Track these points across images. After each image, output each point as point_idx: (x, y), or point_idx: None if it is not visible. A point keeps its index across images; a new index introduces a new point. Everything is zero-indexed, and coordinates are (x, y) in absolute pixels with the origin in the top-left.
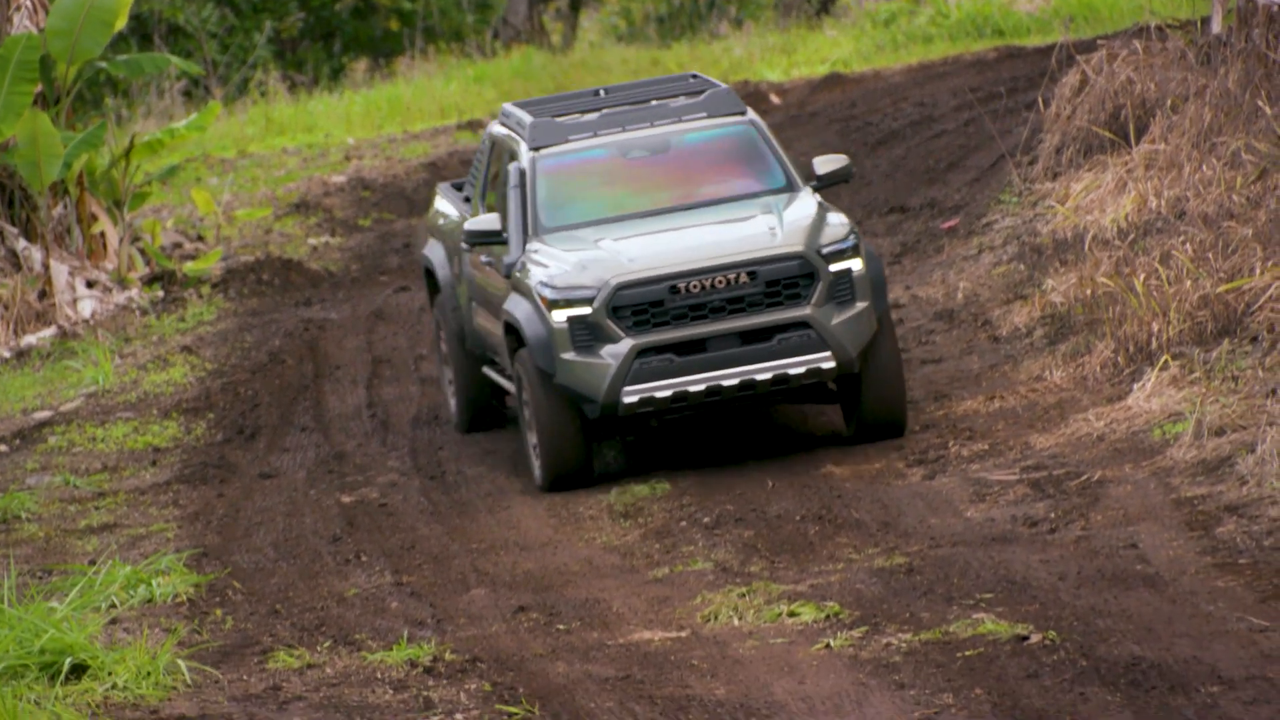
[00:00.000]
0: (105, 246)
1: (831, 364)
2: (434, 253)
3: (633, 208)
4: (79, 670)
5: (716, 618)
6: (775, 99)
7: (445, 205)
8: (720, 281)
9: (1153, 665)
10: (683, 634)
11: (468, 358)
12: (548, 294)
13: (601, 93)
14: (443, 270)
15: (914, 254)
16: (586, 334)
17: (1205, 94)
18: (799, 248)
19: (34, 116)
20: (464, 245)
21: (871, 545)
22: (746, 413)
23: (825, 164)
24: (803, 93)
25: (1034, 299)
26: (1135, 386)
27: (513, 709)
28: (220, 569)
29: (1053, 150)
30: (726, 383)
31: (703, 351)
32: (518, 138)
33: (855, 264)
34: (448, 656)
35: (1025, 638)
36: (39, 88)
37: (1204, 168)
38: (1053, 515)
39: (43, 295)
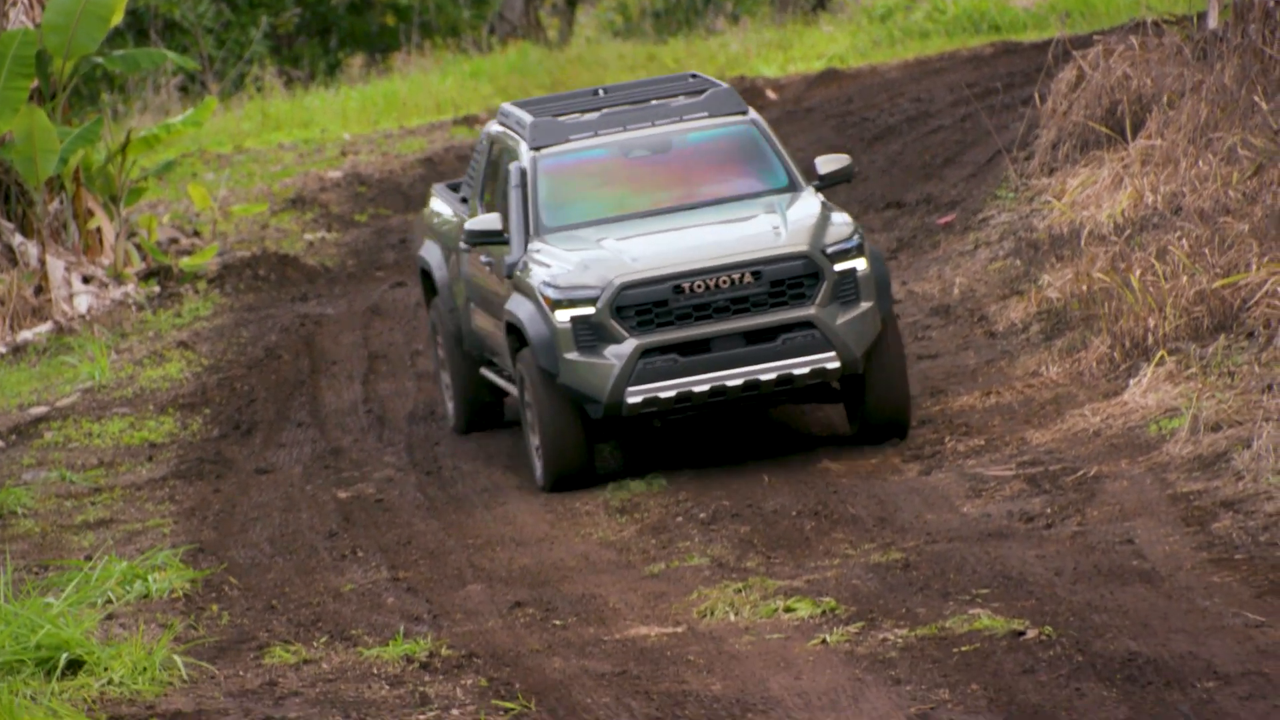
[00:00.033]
0: (101, 242)
1: (836, 364)
2: (430, 254)
3: (634, 207)
4: (75, 666)
5: (713, 613)
6: (771, 95)
7: (441, 206)
8: (724, 281)
9: (1149, 661)
10: (679, 629)
11: (465, 359)
12: (551, 294)
13: (600, 92)
14: (440, 271)
15: (910, 249)
16: (590, 334)
17: (1201, 89)
18: (803, 247)
19: (30, 112)
20: (463, 245)
21: (868, 541)
22: (746, 411)
23: (827, 163)
24: (799, 88)
25: (1030, 294)
26: (1131, 382)
27: (509, 704)
28: (216, 564)
29: (1049, 146)
30: (731, 383)
31: (707, 352)
32: (518, 137)
33: (860, 263)
34: (444, 652)
35: (1021, 633)
36: (35, 83)
37: (1200, 163)
38: (1049, 511)
39: (39, 291)
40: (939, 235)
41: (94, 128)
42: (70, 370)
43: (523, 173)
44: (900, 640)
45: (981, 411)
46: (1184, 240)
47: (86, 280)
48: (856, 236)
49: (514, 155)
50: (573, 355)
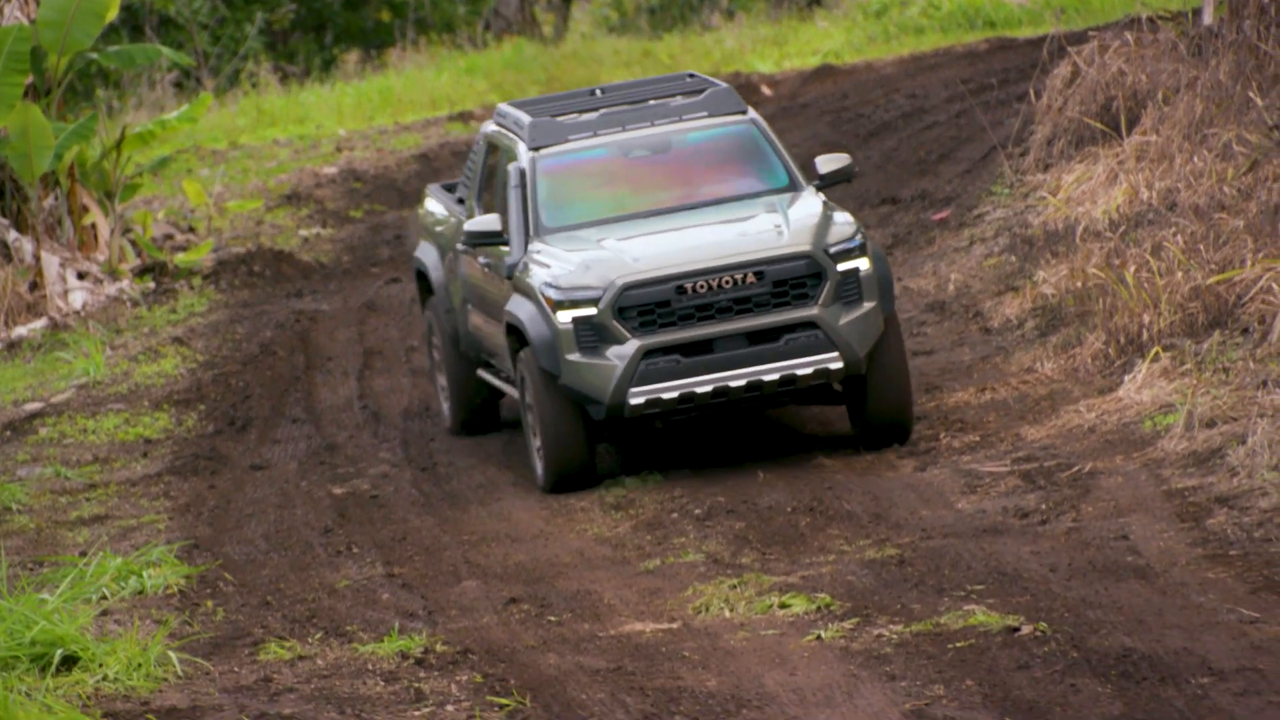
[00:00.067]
0: (96, 238)
1: (839, 364)
2: (426, 254)
3: (634, 208)
4: (70, 662)
5: (708, 609)
6: (767, 90)
7: (437, 207)
8: (727, 281)
9: (1143, 657)
10: (674, 625)
11: (461, 360)
12: (552, 294)
13: (598, 92)
14: (436, 272)
15: (905, 245)
16: (592, 335)
17: (1196, 85)
18: (806, 247)
19: (25, 108)
20: (460, 246)
21: (863, 537)
22: (746, 411)
23: (828, 163)
24: (794, 84)
25: (1025, 290)
26: (1126, 378)
27: (504, 700)
28: (211, 560)
29: (1044, 142)
30: (734, 384)
31: (709, 352)
32: (516, 138)
33: (862, 263)
34: (439, 648)
35: (1016, 629)
36: (30, 79)
37: (1195, 159)
38: (1044, 507)
39: (34, 287)
40: (934, 231)
41: (89, 124)
42: (65, 366)
43: (522, 173)
44: (895, 636)
45: (976, 407)
46: (1179, 236)
47: (81, 276)
48: (859, 236)
49: (512, 156)
50: (574, 356)
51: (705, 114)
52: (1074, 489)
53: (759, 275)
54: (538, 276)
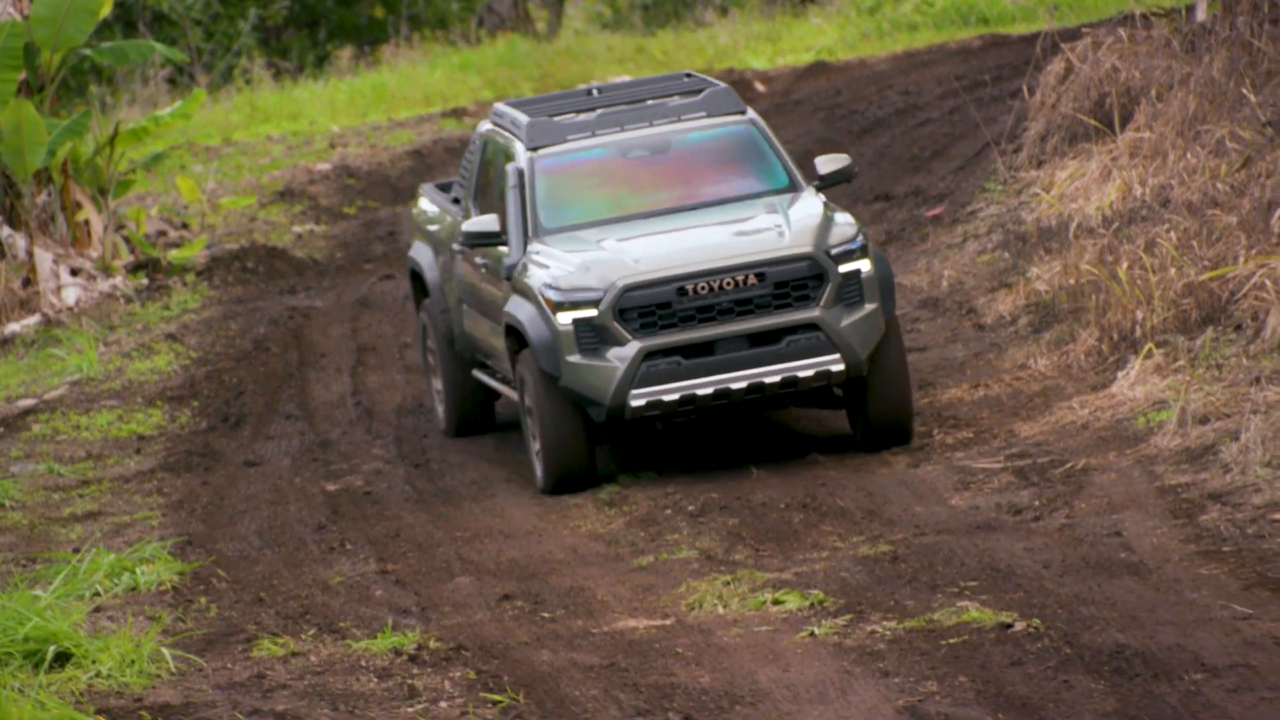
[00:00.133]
0: (90, 234)
1: (841, 367)
2: (421, 254)
3: (634, 208)
4: (63, 658)
5: (701, 606)
6: (760, 87)
7: (432, 206)
8: (728, 283)
9: (1136, 653)
10: (667, 622)
11: (456, 361)
12: (552, 296)
13: (595, 92)
14: (431, 272)
15: (899, 242)
16: (592, 336)
17: (1190, 82)
18: (808, 249)
19: (18, 104)
20: (456, 246)
21: (856, 533)
22: (747, 413)
23: (827, 163)
24: (788, 81)
25: (1018, 287)
26: (1119, 374)
27: (497, 697)
28: (205, 557)
29: (1037, 138)
30: (735, 386)
31: (710, 354)
32: (513, 138)
33: (864, 265)
34: (432, 644)
35: (1009, 625)
36: (23, 75)
37: (1188, 155)
38: (1037, 503)
39: (27, 283)
40: (927, 228)
41: (82, 120)
42: (58, 363)
43: (520, 173)
44: (888, 632)
45: (970, 404)
46: (1172, 233)
47: (74, 273)
48: (860, 237)
49: (510, 156)
50: (575, 358)
51: (704, 114)
52: (1067, 485)
53: (760, 277)
54: (537, 278)
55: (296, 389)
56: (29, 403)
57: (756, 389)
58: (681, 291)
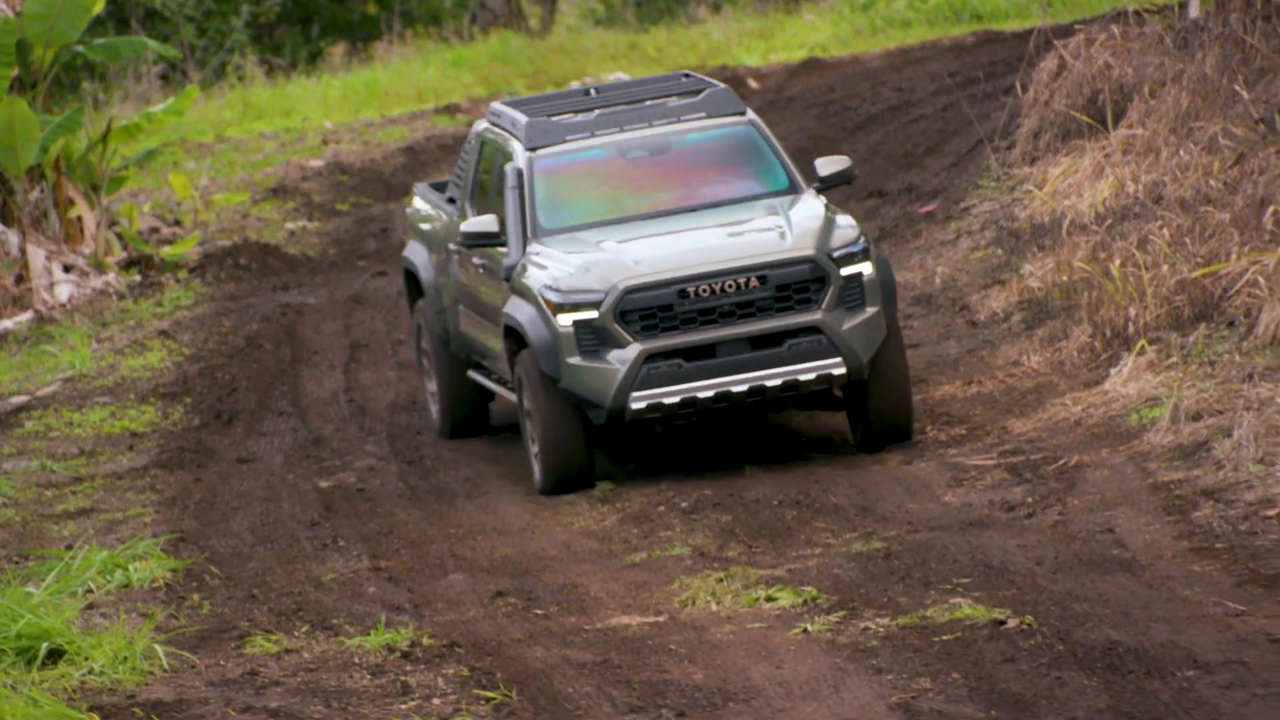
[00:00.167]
0: (82, 231)
1: (842, 370)
2: (416, 254)
3: (633, 209)
4: (55, 655)
5: (694, 602)
6: (753, 84)
7: (427, 206)
8: (730, 285)
9: (1129, 650)
10: (660, 619)
11: (451, 361)
12: (552, 297)
13: (592, 92)
14: (426, 272)
15: (892, 239)
16: (593, 338)
17: (1183, 79)
18: (810, 251)
19: (11, 101)
20: (453, 247)
21: (849, 530)
22: (747, 416)
23: (828, 165)
24: (781, 77)
25: (1011, 284)
26: (1112, 371)
27: (490, 694)
28: (197, 554)
29: (1030, 135)
30: (736, 389)
31: (711, 357)
32: (511, 137)
33: (866, 268)
34: (425, 641)
35: (1002, 622)
36: (16, 72)
37: (1181, 152)
38: (1030, 500)
39: (19, 280)
40: (921, 224)
41: (75, 116)
42: (51, 359)
43: (519, 173)
44: (881, 629)
45: (963, 401)
46: (1165, 229)
47: (67, 269)
48: (862, 240)
49: (508, 156)
50: (575, 360)
51: (704, 115)
52: (1060, 482)
53: (762, 279)
54: (537, 279)
55: (289, 386)
56: (21, 399)
57: (758, 392)
58: (683, 294)
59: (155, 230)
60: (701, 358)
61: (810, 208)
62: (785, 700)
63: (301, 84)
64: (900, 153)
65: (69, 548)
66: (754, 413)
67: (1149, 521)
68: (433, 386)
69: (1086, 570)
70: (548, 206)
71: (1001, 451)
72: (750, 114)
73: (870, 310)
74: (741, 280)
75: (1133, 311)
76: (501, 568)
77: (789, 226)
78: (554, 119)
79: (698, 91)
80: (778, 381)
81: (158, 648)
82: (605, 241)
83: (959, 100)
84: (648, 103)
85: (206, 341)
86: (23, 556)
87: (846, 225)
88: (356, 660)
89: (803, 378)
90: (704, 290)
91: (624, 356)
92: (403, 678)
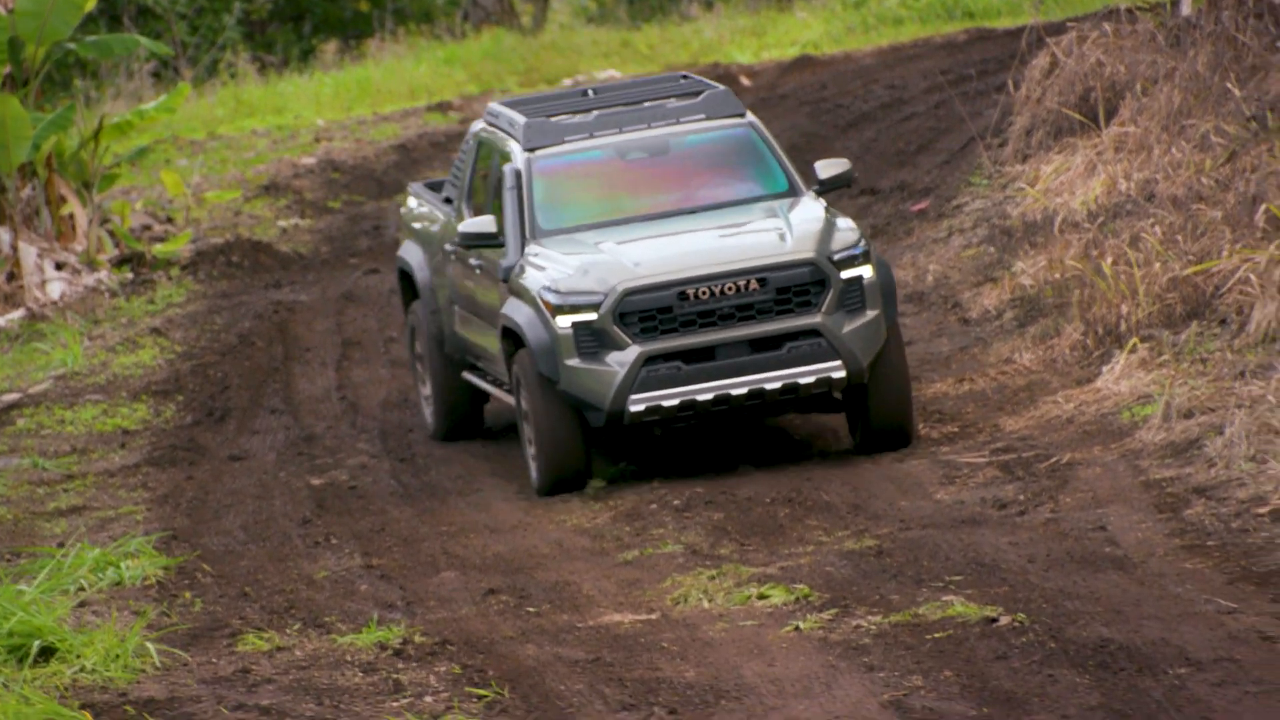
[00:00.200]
0: (74, 228)
1: (842, 373)
2: (411, 254)
3: (632, 211)
4: (47, 653)
5: (686, 600)
6: (745, 81)
7: (421, 206)
8: (730, 288)
9: (1121, 647)
10: (652, 616)
11: (446, 363)
12: (551, 299)
13: (590, 93)
14: (421, 272)
15: (884, 236)
16: (592, 340)
17: (1175, 76)
18: (810, 254)
19: (3, 99)
20: (449, 247)
21: (841, 528)
22: (745, 418)
23: (827, 168)
24: (773, 75)
25: (1003, 281)
26: (1104, 369)
27: (482, 691)
28: (189, 551)
29: (1022, 133)
30: (735, 391)
31: (711, 359)
32: (509, 138)
33: (866, 271)
34: (417, 639)
35: (994, 620)
36: (8, 69)
37: (1173, 150)
38: (1022, 498)
39: (11, 277)
40: (913, 222)
41: (67, 114)
42: (43, 357)
43: (517, 174)
44: (874, 627)
45: (955, 398)
46: (1157, 227)
47: (59, 267)
48: (863, 243)
49: (506, 156)
50: (574, 361)
51: (703, 116)
52: (1052, 480)
53: (762, 282)
54: (535, 280)
55: (281, 383)
56: (13, 397)
57: (757, 395)
58: (683, 296)
59: (147, 228)
60: (701, 360)
61: (810, 210)
62: (777, 698)
63: (294, 81)
64: (892, 150)
65: (61, 545)
66: (753, 416)
67: (1141, 519)
68: (427, 390)
69: (1078, 568)
70: (546, 207)
71: (993, 449)
72: (750, 116)
73: (870, 313)
74: (741, 283)
75: (1125, 309)
76: (494, 565)
77: (789, 229)
78: (552, 120)
79: (697, 93)
80: (777, 384)
81: (149, 645)
82: (604, 243)
83: (951, 98)
84: (646, 104)
85: (199, 339)
86: (14, 554)
87: (847, 228)
88: (348, 658)
89: (802, 381)
90: (704, 292)
91: (623, 359)
92: (395, 675)
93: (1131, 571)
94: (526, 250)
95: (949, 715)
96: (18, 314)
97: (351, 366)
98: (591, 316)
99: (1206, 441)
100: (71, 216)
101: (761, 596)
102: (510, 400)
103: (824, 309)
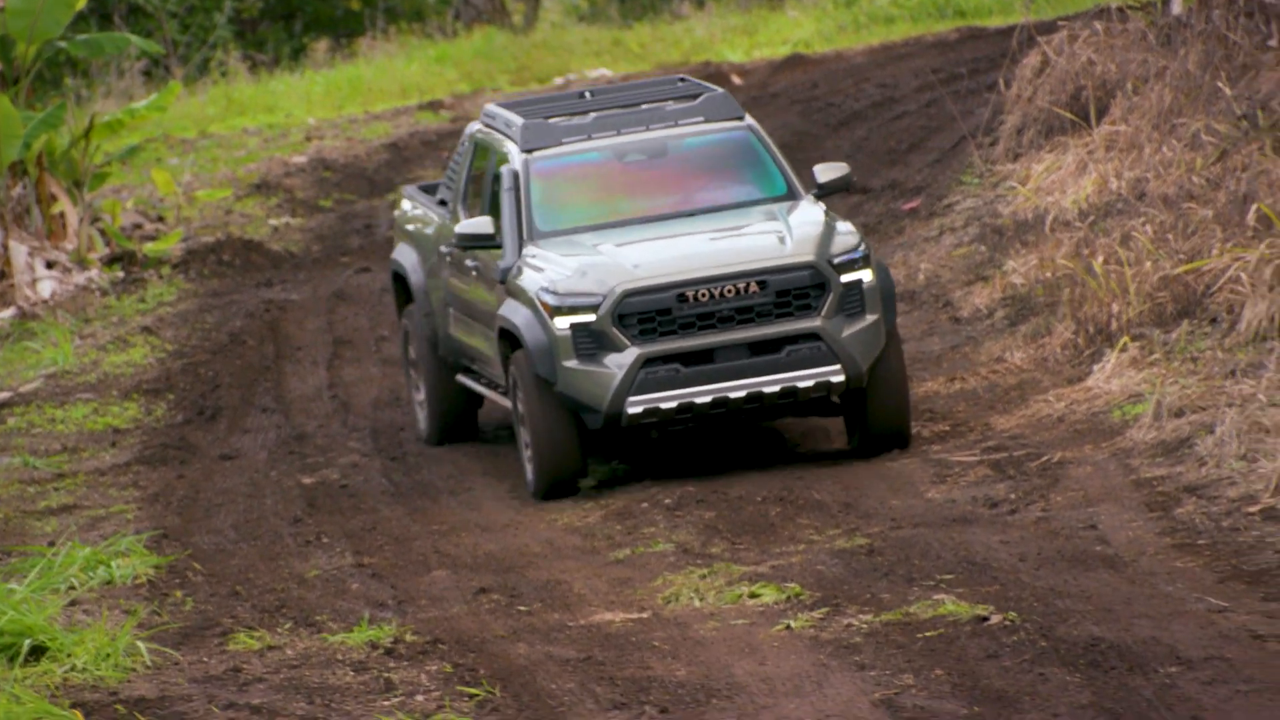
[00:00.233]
0: (65, 227)
1: (841, 377)
2: (405, 256)
3: (630, 213)
4: (38, 652)
5: (677, 599)
6: (737, 80)
7: (416, 209)
8: (729, 290)
9: (1112, 646)
10: (644, 615)
11: (440, 366)
12: (550, 300)
13: (587, 95)
14: (415, 274)
15: (875, 235)
16: (590, 342)
17: (1166, 75)
18: (810, 257)
19: None
20: (444, 249)
21: (833, 526)
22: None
23: (826, 172)
24: (764, 73)
25: (995, 280)
26: (1095, 368)
27: (474, 690)
28: (180, 550)
29: (1014, 131)
30: (733, 395)
31: (710, 362)
32: (506, 139)
33: (865, 275)
34: (409, 638)
35: (985, 618)
36: None
37: (1164, 149)
38: (1013, 496)
39: (1, 276)
40: (904, 221)
41: (57, 112)
42: (33, 356)
43: (515, 176)
44: (865, 626)
45: (946, 397)
46: (1148, 226)
47: (50, 265)
48: (863, 246)
49: (503, 158)
50: (572, 363)
51: (702, 119)
52: (1043, 478)
53: (762, 285)
54: (533, 281)
55: (273, 382)
56: (3, 396)
57: (755, 398)
58: (682, 298)
59: (138, 226)
60: (700, 363)
61: (810, 214)
62: (768, 697)
63: (285, 80)
64: (884, 149)
65: (52, 544)
66: (752, 419)
67: (1132, 518)
68: (420, 395)
69: (1069, 566)
70: (544, 209)
71: (985, 448)
72: (749, 119)
73: (870, 318)
74: (741, 285)
75: (1115, 308)
76: (485, 564)
77: (789, 232)
78: (550, 121)
79: (695, 95)
80: (776, 388)
81: (140, 644)
82: (602, 245)
83: (942, 96)
84: (644, 106)
85: (189, 338)
86: (5, 553)
87: (847, 232)
88: (339, 657)
89: (801, 385)
90: (703, 295)
91: (621, 360)
92: (386, 674)
93: (1122, 570)
94: (524, 252)
95: (940, 714)
96: (8, 313)
97: (343, 365)
98: (590, 318)
99: (1197, 440)
100: (62, 215)
101: (753, 595)
102: (505, 403)
103: (824, 313)
